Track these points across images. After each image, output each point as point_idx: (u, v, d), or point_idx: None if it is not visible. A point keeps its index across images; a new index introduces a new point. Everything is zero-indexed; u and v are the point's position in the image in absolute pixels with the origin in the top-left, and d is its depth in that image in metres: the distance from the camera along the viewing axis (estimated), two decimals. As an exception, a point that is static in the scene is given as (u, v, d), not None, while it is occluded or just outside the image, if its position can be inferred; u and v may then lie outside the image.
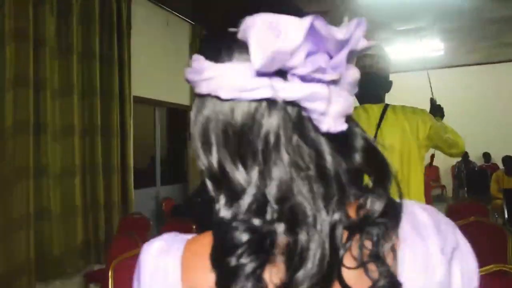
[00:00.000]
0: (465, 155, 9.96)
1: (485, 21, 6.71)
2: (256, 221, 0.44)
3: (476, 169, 9.95)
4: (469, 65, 10.35)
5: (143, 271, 0.52)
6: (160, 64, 5.69)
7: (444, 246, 0.48)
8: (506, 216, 5.14)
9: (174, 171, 6.67)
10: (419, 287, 0.46)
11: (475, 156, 10.27)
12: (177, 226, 3.85)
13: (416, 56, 9.00)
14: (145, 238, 3.92)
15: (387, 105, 1.99)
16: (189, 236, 0.54)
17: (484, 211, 4.11)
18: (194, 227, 3.67)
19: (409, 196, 1.48)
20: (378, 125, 1.90)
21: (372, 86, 1.98)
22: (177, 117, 6.53)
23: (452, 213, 4.11)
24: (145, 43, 5.32)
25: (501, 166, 9.60)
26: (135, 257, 0.61)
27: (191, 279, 0.49)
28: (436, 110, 2.25)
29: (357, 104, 2.07)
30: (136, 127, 5.57)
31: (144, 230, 3.95)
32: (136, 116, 5.69)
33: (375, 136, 1.83)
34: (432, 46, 8.25)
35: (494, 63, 10.17)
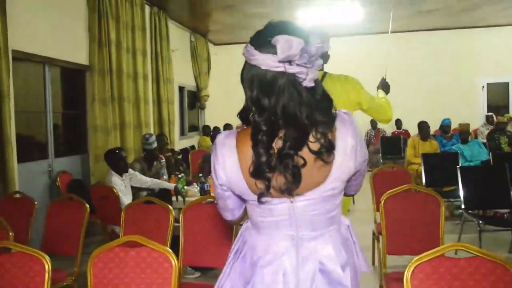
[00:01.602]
0: (373, 122, 10.25)
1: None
2: (270, 120, 1.11)
3: (387, 135, 10.25)
4: (384, 32, 10.41)
5: (218, 146, 1.20)
6: (50, 14, 4.80)
7: (354, 131, 1.19)
8: (424, 180, 5.09)
9: (71, 141, 5.85)
10: (343, 147, 1.15)
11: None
12: (68, 205, 3.20)
13: (338, 22, 8.90)
14: (24, 225, 3.23)
15: (325, 73, 2.51)
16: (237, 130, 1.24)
17: (407, 176, 3.95)
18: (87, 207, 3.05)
19: None
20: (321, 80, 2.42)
21: None
22: (73, 78, 5.66)
23: (378, 181, 3.89)
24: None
25: (412, 132, 10.04)
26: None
27: (240, 148, 1.17)
28: (384, 87, 2.88)
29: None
30: (21, 88, 4.69)
31: (25, 214, 3.26)
32: (21, 75, 4.79)
33: None
34: (352, 11, 8.08)
35: (410, 31, 10.33)
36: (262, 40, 1.10)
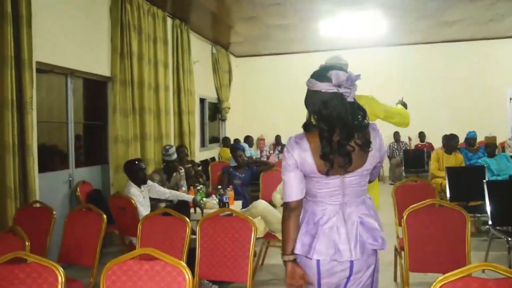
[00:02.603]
0: (396, 135, 10.10)
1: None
2: (329, 124, 1.73)
3: (408, 148, 10.07)
4: (408, 44, 10.30)
5: (292, 143, 1.78)
6: (73, 27, 4.88)
7: (379, 135, 1.83)
8: (448, 194, 4.93)
9: (91, 152, 5.90)
10: (373, 144, 1.77)
11: (408, 135, 10.35)
12: (85, 215, 3.19)
13: (359, 33, 8.86)
14: (43, 234, 3.24)
15: None
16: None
17: (431, 190, 3.82)
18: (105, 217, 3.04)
19: None
20: None
21: None
22: (95, 89, 5.73)
23: (401, 195, 3.78)
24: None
25: (435, 145, 9.82)
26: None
27: (311, 143, 1.75)
28: (402, 104, 3.48)
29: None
30: (43, 99, 4.77)
31: (44, 223, 3.27)
32: (44, 86, 4.88)
33: None
34: (374, 21, 8.01)
35: (434, 42, 10.18)
36: (320, 74, 1.76)
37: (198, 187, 4.71)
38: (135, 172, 4.11)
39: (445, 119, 10.01)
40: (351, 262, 1.76)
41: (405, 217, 2.60)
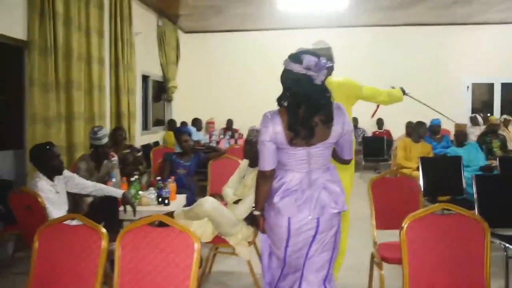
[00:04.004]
0: (354, 121, 9.57)
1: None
2: (297, 99, 2.00)
3: (367, 135, 9.59)
4: (368, 26, 9.77)
5: (267, 119, 2.01)
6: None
7: (343, 113, 2.08)
8: (422, 186, 4.35)
9: (2, 133, 4.85)
10: (337, 120, 2.03)
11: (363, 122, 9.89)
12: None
13: (318, 11, 8.21)
14: None
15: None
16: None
17: (416, 188, 3.19)
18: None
19: None
20: None
21: None
22: (7, 57, 4.67)
23: (380, 192, 3.12)
24: None
25: (394, 133, 9.43)
26: None
27: (282, 117, 1.99)
28: (404, 93, 3.80)
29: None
30: None
31: None
32: None
33: None
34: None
35: (391, 25, 9.72)
36: (295, 56, 2.02)
37: (132, 179, 3.85)
38: (46, 160, 3.17)
39: (402, 105, 9.55)
40: (317, 220, 2.03)
41: (405, 227, 1.91)
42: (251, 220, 3.22)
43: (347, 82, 3.30)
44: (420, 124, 5.87)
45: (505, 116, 8.51)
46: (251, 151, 3.27)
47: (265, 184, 2.08)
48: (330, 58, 3.32)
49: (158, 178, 3.88)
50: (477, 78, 10.19)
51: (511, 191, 3.33)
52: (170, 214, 3.31)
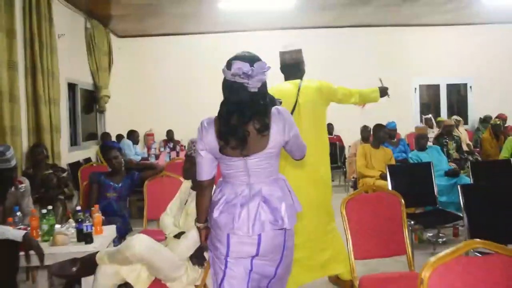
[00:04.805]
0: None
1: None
2: (228, 108, 1.88)
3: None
4: (316, 27, 9.36)
5: (202, 128, 1.92)
6: None
7: (283, 120, 1.90)
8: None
9: None
10: (276, 128, 1.87)
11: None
12: None
13: (263, 10, 7.67)
14: None
15: (301, 81, 3.28)
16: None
17: (397, 207, 2.62)
18: None
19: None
20: (299, 89, 3.20)
21: (291, 70, 3.33)
22: None
23: (356, 215, 2.53)
24: None
25: (345, 138, 9.05)
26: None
27: (216, 125, 1.89)
28: (384, 94, 3.71)
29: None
30: None
31: None
32: None
33: (296, 98, 3.19)
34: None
35: (340, 27, 9.39)
36: (229, 61, 1.87)
37: (44, 210, 3.02)
38: None
39: (350, 109, 9.22)
40: (259, 237, 1.89)
41: (426, 278, 1.30)
42: (198, 258, 2.56)
43: (324, 85, 3.25)
44: (379, 127, 5.42)
45: (455, 117, 8.37)
46: (191, 170, 2.58)
47: (202, 195, 2.00)
48: (300, 61, 3.32)
49: (78, 208, 3.07)
50: (424, 80, 10.09)
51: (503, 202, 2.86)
52: (92, 258, 2.54)
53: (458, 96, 10.44)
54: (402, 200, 2.59)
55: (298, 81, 3.23)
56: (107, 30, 8.64)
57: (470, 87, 10.08)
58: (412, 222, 3.74)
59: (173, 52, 9.48)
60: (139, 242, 2.32)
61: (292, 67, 3.30)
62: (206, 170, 1.94)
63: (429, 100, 10.51)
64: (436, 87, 10.26)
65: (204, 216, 2.01)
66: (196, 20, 8.37)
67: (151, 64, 9.49)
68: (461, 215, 3.84)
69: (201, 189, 1.98)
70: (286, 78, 3.34)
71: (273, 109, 1.90)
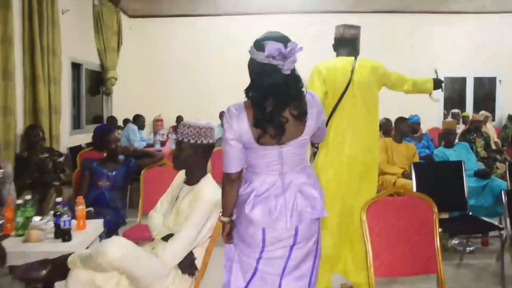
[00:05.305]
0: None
1: None
2: (262, 93, 1.74)
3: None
4: (337, 12, 8.85)
5: (231, 114, 1.74)
6: None
7: (317, 105, 1.83)
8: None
9: None
10: (311, 113, 1.78)
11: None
12: None
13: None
14: None
15: (355, 59, 3.02)
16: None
17: (428, 210, 2.18)
18: None
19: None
20: (353, 67, 2.94)
21: (347, 46, 3.08)
22: None
23: (378, 222, 2.11)
24: None
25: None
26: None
27: (248, 111, 1.73)
28: (439, 86, 3.27)
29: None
30: None
31: None
32: None
33: (351, 76, 2.92)
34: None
35: (357, 12, 8.84)
36: (258, 43, 1.72)
37: (20, 201, 2.66)
38: None
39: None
40: (296, 228, 1.80)
41: None
42: (187, 266, 2.17)
43: (379, 66, 3.05)
44: (402, 120, 4.94)
45: (484, 112, 7.80)
46: (180, 157, 2.20)
47: (231, 189, 1.83)
48: (357, 38, 3.11)
49: (59, 199, 2.69)
50: (449, 72, 9.50)
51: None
52: (66, 259, 2.17)
53: (485, 90, 9.84)
54: (435, 208, 2.16)
55: (352, 58, 2.98)
56: (117, 9, 8.25)
57: (500, 81, 9.47)
58: (440, 230, 3.29)
59: (185, 34, 9.07)
60: (112, 247, 1.92)
61: (349, 42, 3.06)
62: (235, 161, 1.79)
63: (453, 94, 9.93)
64: (462, 80, 9.67)
65: (230, 211, 1.87)
66: (211, 1, 7.94)
67: (162, 46, 9.10)
68: (496, 223, 3.46)
69: (229, 182, 1.82)
70: (338, 55, 3.10)
71: (307, 93, 1.81)
